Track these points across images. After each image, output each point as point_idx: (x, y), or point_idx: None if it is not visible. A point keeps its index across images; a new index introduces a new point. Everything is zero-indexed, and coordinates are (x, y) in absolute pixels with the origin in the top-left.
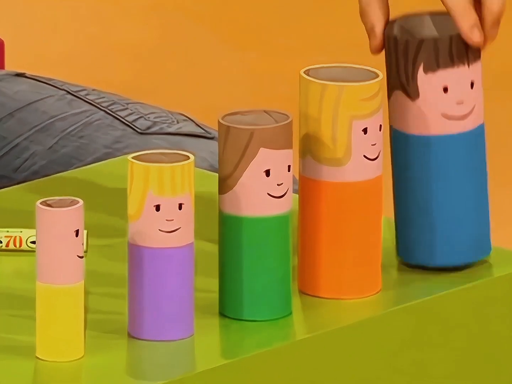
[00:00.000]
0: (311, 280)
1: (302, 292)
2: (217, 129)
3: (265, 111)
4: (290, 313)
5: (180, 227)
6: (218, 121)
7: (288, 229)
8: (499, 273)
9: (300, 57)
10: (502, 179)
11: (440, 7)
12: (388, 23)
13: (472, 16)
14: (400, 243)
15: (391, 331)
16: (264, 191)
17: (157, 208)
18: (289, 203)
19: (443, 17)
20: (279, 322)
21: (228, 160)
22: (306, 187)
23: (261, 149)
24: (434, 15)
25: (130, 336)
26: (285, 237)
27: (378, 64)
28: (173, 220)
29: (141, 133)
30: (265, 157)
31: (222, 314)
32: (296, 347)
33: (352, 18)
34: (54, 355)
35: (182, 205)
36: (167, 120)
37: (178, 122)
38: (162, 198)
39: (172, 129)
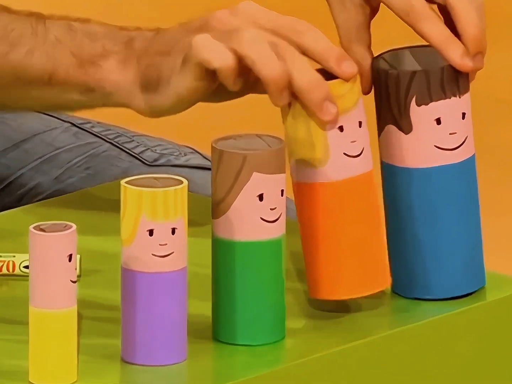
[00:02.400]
0: (318, 285)
1: (309, 297)
2: None
3: (257, 136)
4: (284, 337)
5: (173, 252)
6: (211, 146)
7: (281, 253)
8: (494, 297)
9: None
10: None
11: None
12: (375, 58)
13: (459, 44)
14: (394, 278)
15: (387, 354)
16: (257, 215)
17: (150, 232)
18: (283, 228)
19: (427, 49)
20: (274, 345)
21: (221, 184)
22: (296, 191)
23: (254, 173)
24: (417, 48)
25: (123, 361)
26: (278, 261)
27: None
28: (166, 244)
29: (149, 165)
30: (258, 181)
31: (216, 338)
32: (291, 371)
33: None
34: (47, 380)
35: (176, 230)
36: (174, 152)
37: (185, 155)
38: (155, 222)
39: (180, 162)
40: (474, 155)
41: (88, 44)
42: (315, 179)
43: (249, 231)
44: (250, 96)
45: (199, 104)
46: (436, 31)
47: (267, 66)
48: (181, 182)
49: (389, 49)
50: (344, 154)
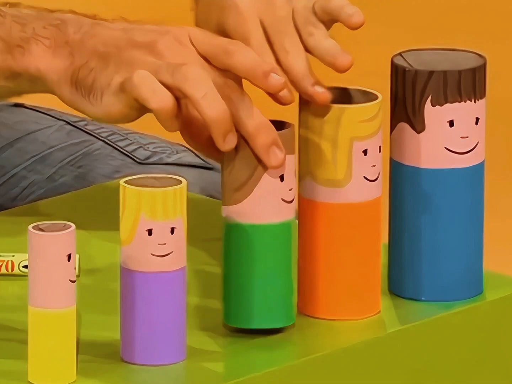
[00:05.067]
0: (310, 301)
1: (300, 313)
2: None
3: None
4: (293, 321)
5: (172, 251)
6: None
7: (296, 234)
8: (493, 297)
9: None
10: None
11: (441, 44)
12: (395, 56)
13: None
14: (392, 278)
15: (389, 353)
16: (279, 196)
17: (149, 232)
18: (295, 208)
19: (448, 52)
20: (276, 344)
21: (242, 169)
22: (305, 208)
23: None
24: (438, 50)
25: (123, 360)
26: (295, 241)
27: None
28: (165, 244)
29: (140, 163)
30: None
31: (226, 324)
32: (293, 370)
33: (346, 42)
34: (46, 379)
35: (175, 229)
36: (167, 150)
37: (177, 153)
38: (154, 222)
39: (171, 160)
40: (483, 162)
41: (17, 28)
42: (331, 199)
43: (273, 213)
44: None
45: None
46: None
47: (212, 106)
48: (180, 182)
49: (409, 48)
50: (364, 177)
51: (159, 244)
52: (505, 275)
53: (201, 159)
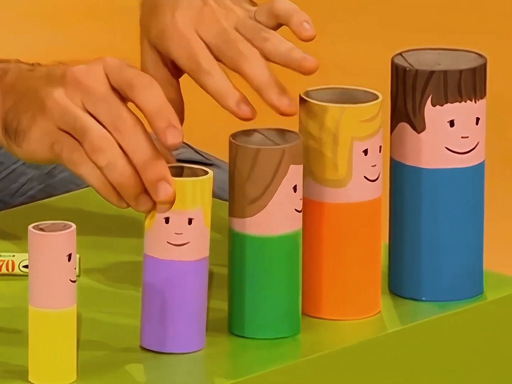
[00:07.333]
0: (310, 301)
1: (302, 313)
2: (214, 155)
3: (254, 130)
4: (299, 332)
5: (189, 242)
6: (245, 147)
7: (301, 243)
8: (493, 297)
9: (297, 80)
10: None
11: (441, 44)
12: (396, 55)
13: (236, 94)
14: (393, 277)
15: (389, 353)
16: (292, 207)
17: (167, 220)
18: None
19: (449, 52)
20: (278, 343)
21: (257, 182)
22: (306, 208)
23: (291, 166)
24: (438, 50)
25: (142, 347)
26: (301, 251)
27: (375, 88)
28: (182, 234)
29: None
30: (293, 173)
31: (232, 332)
32: (294, 369)
33: (347, 41)
34: (46, 379)
35: (192, 220)
36: None
37: (177, 149)
38: (171, 211)
39: None
40: (483, 161)
41: None
42: (332, 199)
43: (287, 223)
44: (252, 93)
45: (193, 101)
46: (217, 84)
47: (116, 174)
48: (207, 173)
49: (409, 48)
50: (365, 177)
51: (175, 233)
52: (505, 275)
53: (201, 155)
